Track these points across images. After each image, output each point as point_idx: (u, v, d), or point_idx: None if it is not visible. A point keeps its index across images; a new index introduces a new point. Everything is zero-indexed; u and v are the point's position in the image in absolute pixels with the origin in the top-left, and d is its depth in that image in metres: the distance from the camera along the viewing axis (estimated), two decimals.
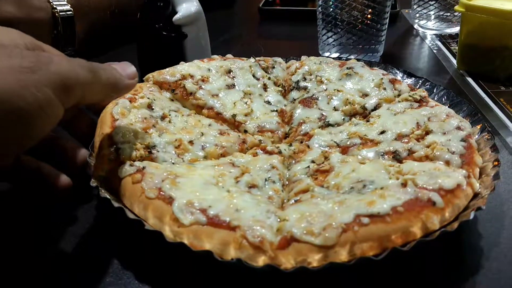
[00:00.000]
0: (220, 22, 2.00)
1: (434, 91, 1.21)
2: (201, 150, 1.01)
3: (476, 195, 0.83)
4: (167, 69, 1.23)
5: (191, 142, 1.03)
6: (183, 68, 1.24)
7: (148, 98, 1.09)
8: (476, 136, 0.99)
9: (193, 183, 0.85)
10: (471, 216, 0.74)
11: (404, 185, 0.78)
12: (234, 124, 1.14)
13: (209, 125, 1.11)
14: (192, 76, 1.21)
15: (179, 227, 0.75)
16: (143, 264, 0.81)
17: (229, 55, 1.39)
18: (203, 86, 1.20)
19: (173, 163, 0.96)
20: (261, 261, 0.70)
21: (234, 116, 1.15)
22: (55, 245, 0.86)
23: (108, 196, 0.83)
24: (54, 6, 1.31)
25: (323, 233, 0.70)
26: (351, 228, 0.70)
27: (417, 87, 1.24)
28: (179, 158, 0.98)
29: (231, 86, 1.24)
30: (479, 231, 0.86)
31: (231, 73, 1.27)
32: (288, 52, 1.49)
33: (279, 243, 0.71)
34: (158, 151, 0.96)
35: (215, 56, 1.33)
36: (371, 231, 0.70)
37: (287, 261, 0.70)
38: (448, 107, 1.12)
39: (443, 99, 1.17)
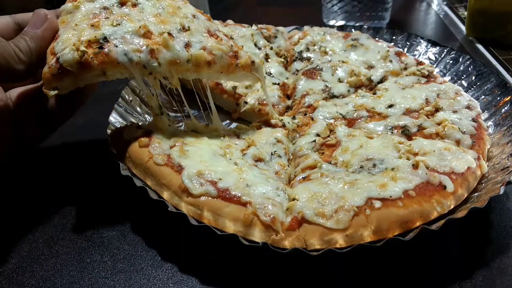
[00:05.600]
0: None
1: (460, 60, 1.17)
2: (184, 50, 0.85)
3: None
4: None
5: (170, 35, 0.85)
6: None
7: None
8: (506, 108, 0.97)
9: (202, 152, 0.84)
10: (501, 191, 0.72)
11: (415, 166, 0.76)
12: (234, 96, 1.11)
13: (194, 16, 0.94)
14: None
15: (188, 197, 0.75)
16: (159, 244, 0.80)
17: (229, 21, 1.34)
18: None
19: (150, 73, 0.81)
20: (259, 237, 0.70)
21: (234, 88, 1.11)
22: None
23: (129, 175, 0.82)
24: None
25: (335, 216, 0.69)
26: (363, 212, 0.69)
27: (442, 56, 1.22)
28: (152, 57, 0.81)
29: None
30: (509, 208, 0.83)
31: None
32: (290, 20, 1.44)
33: (289, 223, 0.70)
34: (116, 46, 0.79)
35: (216, 22, 1.27)
36: (383, 215, 0.69)
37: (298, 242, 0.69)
38: (474, 78, 1.10)
39: (469, 69, 1.13)
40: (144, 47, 0.80)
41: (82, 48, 0.76)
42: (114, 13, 0.84)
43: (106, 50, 0.77)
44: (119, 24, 0.82)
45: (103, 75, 0.80)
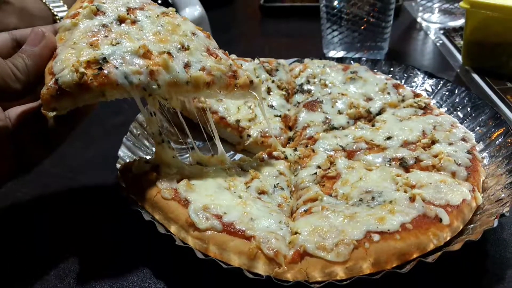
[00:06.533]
0: (221, 20, 1.99)
1: (456, 91, 1.20)
2: (183, 71, 0.84)
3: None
4: None
5: (169, 54, 0.84)
6: None
7: (93, 5, 0.87)
8: (500, 139, 0.99)
9: (207, 186, 0.87)
10: (495, 224, 0.75)
11: (412, 199, 0.79)
12: (238, 129, 1.15)
13: (193, 34, 0.94)
14: None
15: (194, 231, 0.78)
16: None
17: (233, 56, 1.38)
18: None
19: (149, 94, 0.80)
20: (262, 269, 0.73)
21: (238, 121, 1.15)
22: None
23: (138, 209, 0.85)
24: (55, 13, 1.30)
25: (335, 249, 0.72)
26: (362, 245, 0.72)
27: (439, 87, 1.25)
28: (152, 79, 0.81)
29: None
30: (504, 239, 0.85)
31: None
32: (291, 51, 1.47)
33: (292, 256, 0.73)
34: (116, 67, 0.79)
35: None
36: (382, 248, 0.72)
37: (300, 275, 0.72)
38: (470, 109, 1.13)
39: (465, 101, 1.16)
40: (144, 69, 0.80)
41: (81, 69, 0.76)
42: (113, 31, 0.84)
43: (105, 71, 0.77)
44: (118, 43, 0.81)
45: (102, 96, 0.79)
